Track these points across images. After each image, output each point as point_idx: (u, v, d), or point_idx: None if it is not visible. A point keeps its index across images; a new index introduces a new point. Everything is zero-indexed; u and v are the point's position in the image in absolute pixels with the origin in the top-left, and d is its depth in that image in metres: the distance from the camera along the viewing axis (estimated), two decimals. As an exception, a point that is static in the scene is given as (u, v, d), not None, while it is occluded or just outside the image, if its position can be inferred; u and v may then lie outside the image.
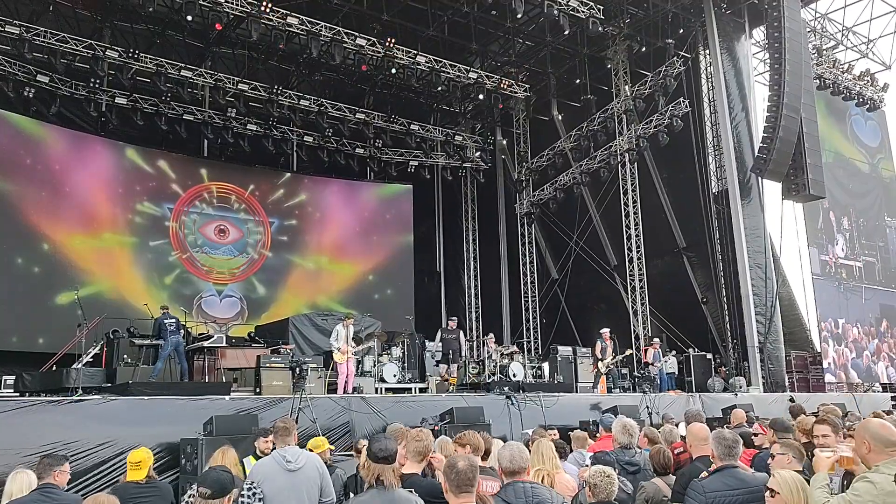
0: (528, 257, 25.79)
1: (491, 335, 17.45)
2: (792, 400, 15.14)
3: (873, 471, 3.72)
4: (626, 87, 22.13)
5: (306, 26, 17.94)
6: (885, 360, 23.68)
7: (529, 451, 4.70)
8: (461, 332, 16.88)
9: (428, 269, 26.55)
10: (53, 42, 17.31)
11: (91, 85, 18.75)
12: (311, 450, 6.26)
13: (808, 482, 3.91)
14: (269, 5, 17.06)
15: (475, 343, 23.99)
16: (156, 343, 13.26)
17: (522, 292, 25.71)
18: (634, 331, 21.12)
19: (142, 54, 18.54)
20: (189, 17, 16.44)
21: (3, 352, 16.89)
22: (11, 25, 16.70)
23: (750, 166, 19.64)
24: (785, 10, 18.62)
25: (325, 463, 6.00)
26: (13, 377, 13.25)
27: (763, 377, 18.29)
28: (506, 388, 13.38)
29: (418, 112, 24.91)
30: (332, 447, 7.96)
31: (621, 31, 21.63)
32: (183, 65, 19.28)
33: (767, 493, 3.97)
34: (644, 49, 21.50)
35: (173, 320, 13.28)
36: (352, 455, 9.00)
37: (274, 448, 5.78)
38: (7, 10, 17.45)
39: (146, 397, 9.99)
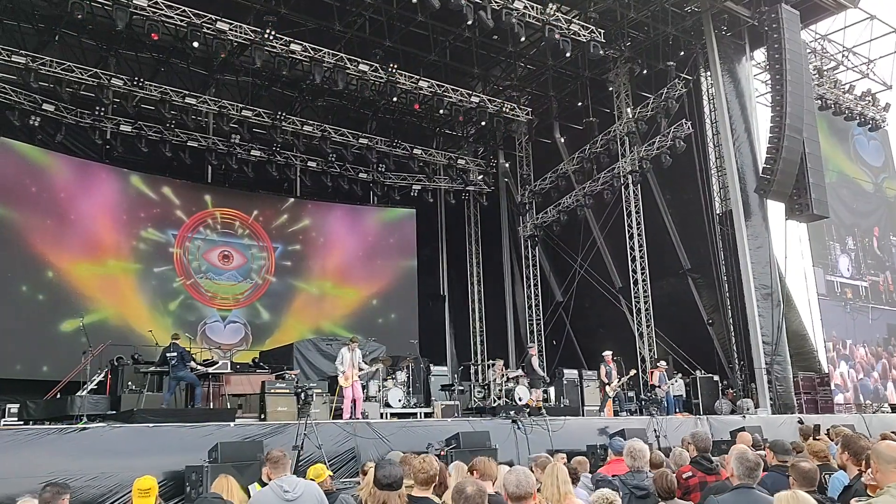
0: (532, 280, 25.75)
1: (500, 360, 17.40)
2: (801, 422, 15.03)
3: (884, 492, 3.68)
4: (628, 110, 22.24)
5: (309, 53, 18.07)
6: (894, 380, 23.48)
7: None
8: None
9: (432, 292, 26.46)
10: (59, 71, 17.49)
11: (96, 113, 18.87)
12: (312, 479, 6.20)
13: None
14: (273, 33, 17.23)
15: (480, 367, 23.86)
16: (160, 371, 13.17)
17: (527, 315, 25.64)
18: (640, 353, 21.03)
19: (146, 82, 18.69)
20: (195, 44, 16.56)
21: (7, 380, 16.80)
22: (18, 55, 16.91)
23: (753, 187, 19.65)
24: (785, 32, 18.74)
25: (327, 490, 5.95)
26: (17, 405, 13.21)
27: (771, 399, 18.12)
28: (511, 413, 13.28)
29: (421, 136, 25.02)
30: (331, 473, 7.88)
31: (622, 54, 21.75)
32: (187, 92, 19.44)
33: None
34: (645, 71, 21.67)
35: (175, 354, 12.60)
36: (359, 481, 8.92)
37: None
38: (13, 41, 17.62)
39: (151, 425, 9.93)
